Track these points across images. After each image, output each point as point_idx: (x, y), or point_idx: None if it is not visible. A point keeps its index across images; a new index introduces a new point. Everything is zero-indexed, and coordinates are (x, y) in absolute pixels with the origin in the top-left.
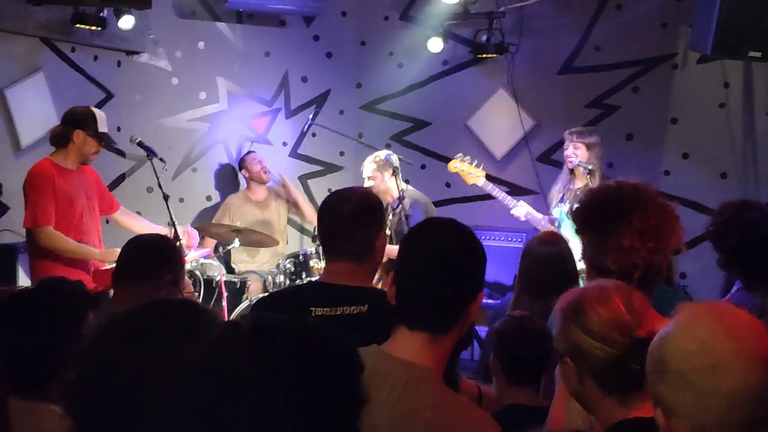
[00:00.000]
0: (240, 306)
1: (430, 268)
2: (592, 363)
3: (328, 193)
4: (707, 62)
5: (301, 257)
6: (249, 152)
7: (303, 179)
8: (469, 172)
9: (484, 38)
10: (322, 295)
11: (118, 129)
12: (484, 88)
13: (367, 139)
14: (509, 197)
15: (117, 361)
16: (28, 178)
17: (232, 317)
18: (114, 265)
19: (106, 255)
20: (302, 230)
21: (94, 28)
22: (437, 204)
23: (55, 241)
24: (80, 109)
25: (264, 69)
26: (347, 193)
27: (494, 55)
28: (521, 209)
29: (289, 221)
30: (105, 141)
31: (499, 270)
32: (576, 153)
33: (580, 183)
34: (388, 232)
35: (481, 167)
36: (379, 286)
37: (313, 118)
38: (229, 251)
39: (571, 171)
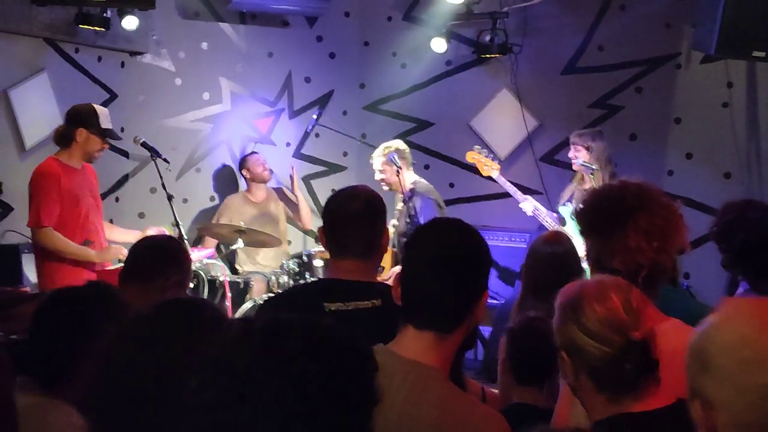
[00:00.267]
0: (244, 306)
1: (436, 269)
2: (588, 360)
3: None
4: (711, 62)
5: (305, 257)
6: (251, 153)
7: (306, 180)
8: (486, 163)
9: (487, 38)
10: (334, 291)
11: (122, 129)
12: (487, 89)
13: (370, 140)
14: (519, 192)
15: (134, 361)
16: (33, 178)
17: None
18: (120, 264)
19: (104, 255)
20: (306, 230)
21: (97, 28)
22: None
23: (55, 242)
24: (82, 107)
25: (267, 69)
26: (354, 191)
27: (497, 56)
28: (529, 204)
29: (292, 222)
30: (109, 137)
31: (503, 270)
32: (576, 155)
33: (586, 184)
34: (396, 222)
35: (497, 162)
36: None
37: (317, 119)
38: (232, 252)
39: (577, 172)
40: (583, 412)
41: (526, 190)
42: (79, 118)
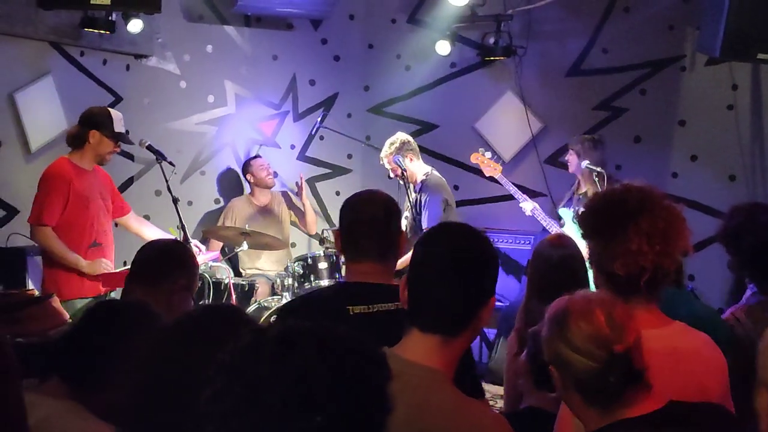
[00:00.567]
0: (249, 309)
1: (443, 272)
2: (574, 374)
3: (336, 196)
4: (715, 64)
5: (309, 260)
6: (254, 157)
7: (311, 182)
8: (489, 164)
9: (491, 41)
10: (356, 294)
11: (127, 132)
12: (491, 91)
13: (374, 142)
14: (520, 192)
15: (167, 370)
16: (43, 176)
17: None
18: (125, 268)
19: (93, 267)
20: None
21: (103, 32)
22: None
23: (50, 243)
24: (96, 109)
25: (272, 72)
26: (372, 195)
27: (502, 58)
28: (528, 204)
29: (296, 226)
30: (121, 140)
31: (507, 272)
32: (569, 159)
33: (582, 188)
34: (407, 213)
35: (500, 163)
36: None
37: (321, 121)
38: (236, 254)
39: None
40: None
41: (530, 192)
42: (93, 120)
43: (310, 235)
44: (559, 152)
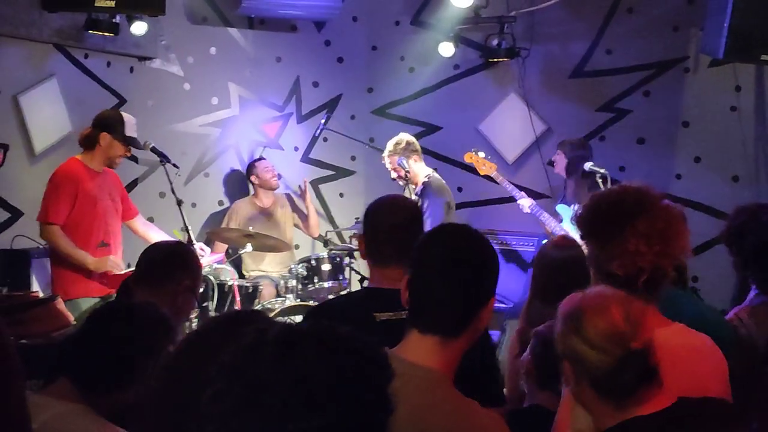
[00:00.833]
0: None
1: (442, 273)
2: (589, 370)
3: (340, 198)
4: (719, 65)
5: (313, 262)
6: (258, 159)
7: (314, 184)
8: (483, 163)
9: (495, 43)
10: (381, 300)
11: None
12: (495, 93)
13: (378, 144)
14: (516, 189)
15: (196, 374)
16: (54, 175)
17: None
18: (130, 269)
19: (99, 264)
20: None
21: (107, 34)
22: None
23: (57, 240)
24: (109, 112)
25: (275, 74)
26: (395, 200)
27: (505, 60)
28: (526, 201)
29: (298, 226)
30: (131, 145)
31: (511, 274)
32: (556, 160)
33: (569, 188)
34: None
35: (496, 164)
36: None
37: (325, 123)
38: (240, 256)
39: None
40: (584, 417)
41: (534, 194)
42: (105, 123)
43: (313, 238)
44: None
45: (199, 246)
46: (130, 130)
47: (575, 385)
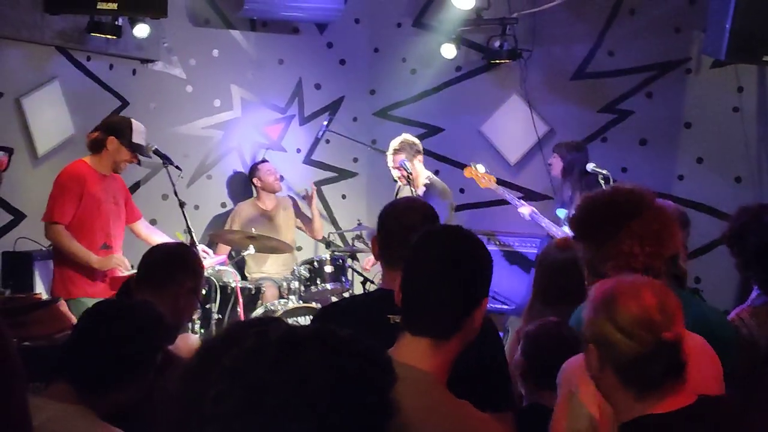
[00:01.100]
0: (256, 312)
1: (433, 275)
2: (616, 355)
3: (342, 199)
4: (721, 67)
5: (315, 263)
6: (261, 162)
7: (317, 185)
8: (483, 176)
9: (497, 44)
10: (395, 302)
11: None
12: (497, 94)
13: (380, 146)
14: (517, 198)
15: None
16: (59, 176)
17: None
18: (132, 271)
19: (103, 263)
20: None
21: (109, 36)
22: None
23: (62, 240)
24: (119, 118)
25: (278, 76)
26: (409, 202)
27: (507, 61)
28: (526, 209)
29: (301, 229)
30: (136, 151)
31: (513, 275)
32: (552, 163)
33: (566, 192)
34: None
35: (492, 174)
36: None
37: (327, 125)
38: (242, 258)
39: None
40: (581, 416)
41: (536, 195)
42: (114, 127)
43: (316, 240)
44: None
45: (201, 248)
46: (138, 137)
47: (598, 371)
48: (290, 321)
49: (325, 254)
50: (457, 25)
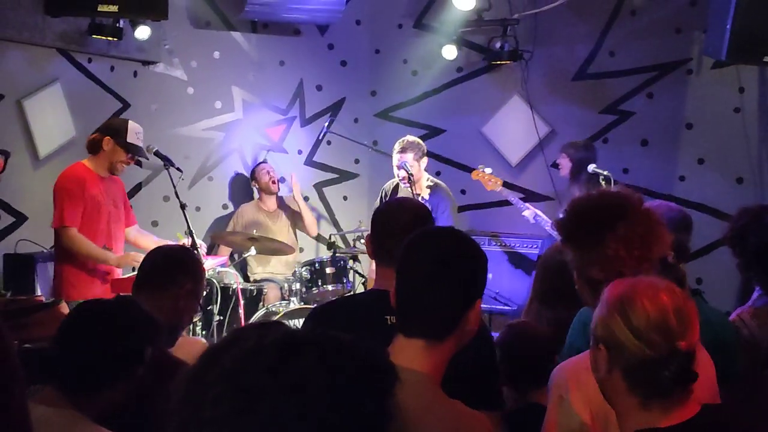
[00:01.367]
0: (257, 314)
1: (425, 275)
2: (626, 358)
3: (344, 201)
4: (722, 67)
5: (317, 265)
6: (260, 163)
7: (318, 187)
8: (490, 179)
9: (498, 45)
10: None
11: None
12: (498, 95)
13: (381, 147)
14: (521, 202)
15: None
16: (59, 180)
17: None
18: (132, 273)
19: (121, 261)
20: (318, 237)
21: (110, 38)
22: None
23: (77, 243)
24: (116, 119)
25: (279, 78)
26: (402, 202)
27: (508, 62)
28: (530, 212)
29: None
30: (132, 152)
31: (515, 276)
32: (561, 163)
33: (575, 192)
34: None
35: (499, 177)
36: None
37: (328, 126)
38: (244, 259)
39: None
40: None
41: (537, 196)
42: (109, 128)
43: (316, 239)
44: None
45: (198, 243)
46: (133, 137)
47: (606, 373)
48: (291, 323)
49: (327, 256)
50: (458, 26)
